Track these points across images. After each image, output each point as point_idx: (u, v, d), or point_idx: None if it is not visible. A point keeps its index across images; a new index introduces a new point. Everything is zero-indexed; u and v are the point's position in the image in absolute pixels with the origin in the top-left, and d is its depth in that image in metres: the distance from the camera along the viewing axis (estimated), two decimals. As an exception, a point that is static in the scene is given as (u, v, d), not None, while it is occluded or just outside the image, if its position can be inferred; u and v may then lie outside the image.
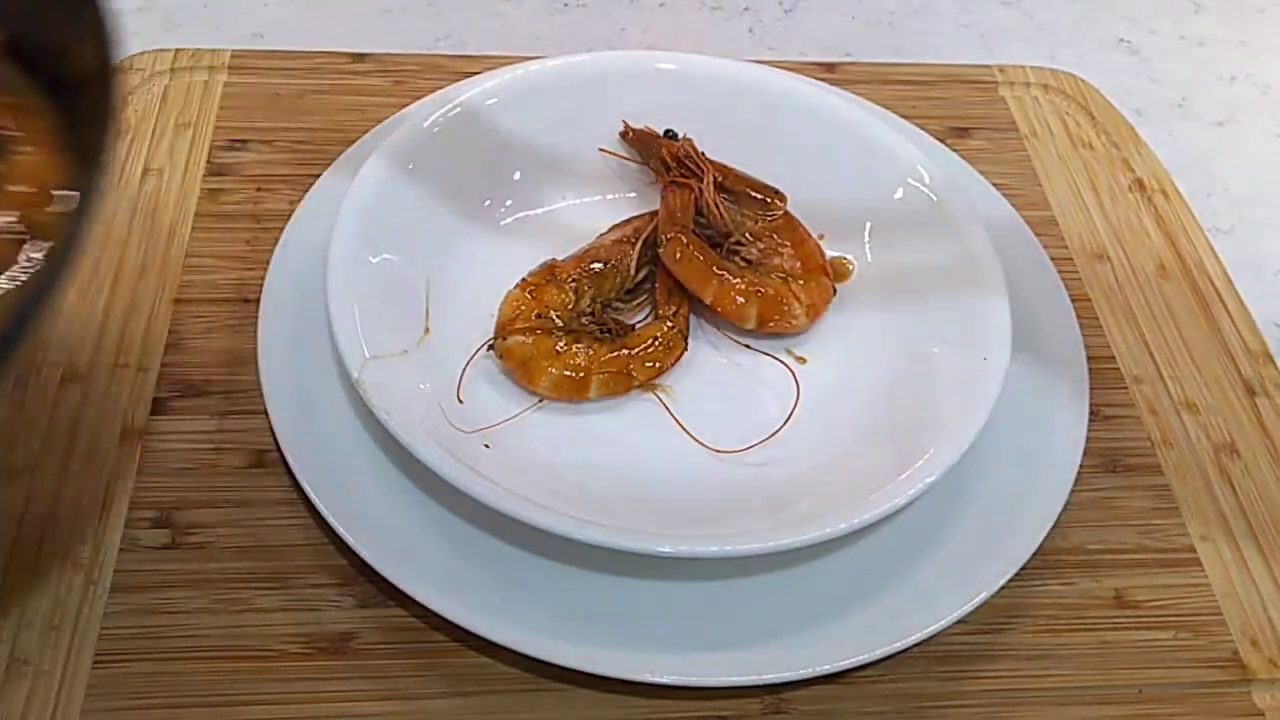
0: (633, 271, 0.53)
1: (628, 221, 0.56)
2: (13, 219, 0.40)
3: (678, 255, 0.53)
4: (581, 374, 0.50)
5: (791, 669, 0.43)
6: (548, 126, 0.57)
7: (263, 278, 0.52)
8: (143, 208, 0.57)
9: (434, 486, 0.46)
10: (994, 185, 0.60)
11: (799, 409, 0.50)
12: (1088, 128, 0.68)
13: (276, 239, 0.54)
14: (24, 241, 0.40)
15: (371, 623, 0.45)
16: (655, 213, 0.55)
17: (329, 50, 0.66)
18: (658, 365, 0.51)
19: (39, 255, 0.40)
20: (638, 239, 0.54)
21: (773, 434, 0.49)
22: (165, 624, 0.44)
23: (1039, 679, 0.45)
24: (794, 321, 0.53)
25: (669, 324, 0.52)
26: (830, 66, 0.69)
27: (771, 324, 0.53)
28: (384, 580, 0.44)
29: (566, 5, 0.75)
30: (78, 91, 0.41)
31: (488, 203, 0.56)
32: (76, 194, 0.41)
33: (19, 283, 0.40)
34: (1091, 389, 0.52)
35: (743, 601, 0.45)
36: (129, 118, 0.61)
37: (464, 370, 0.50)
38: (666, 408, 0.50)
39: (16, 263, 0.40)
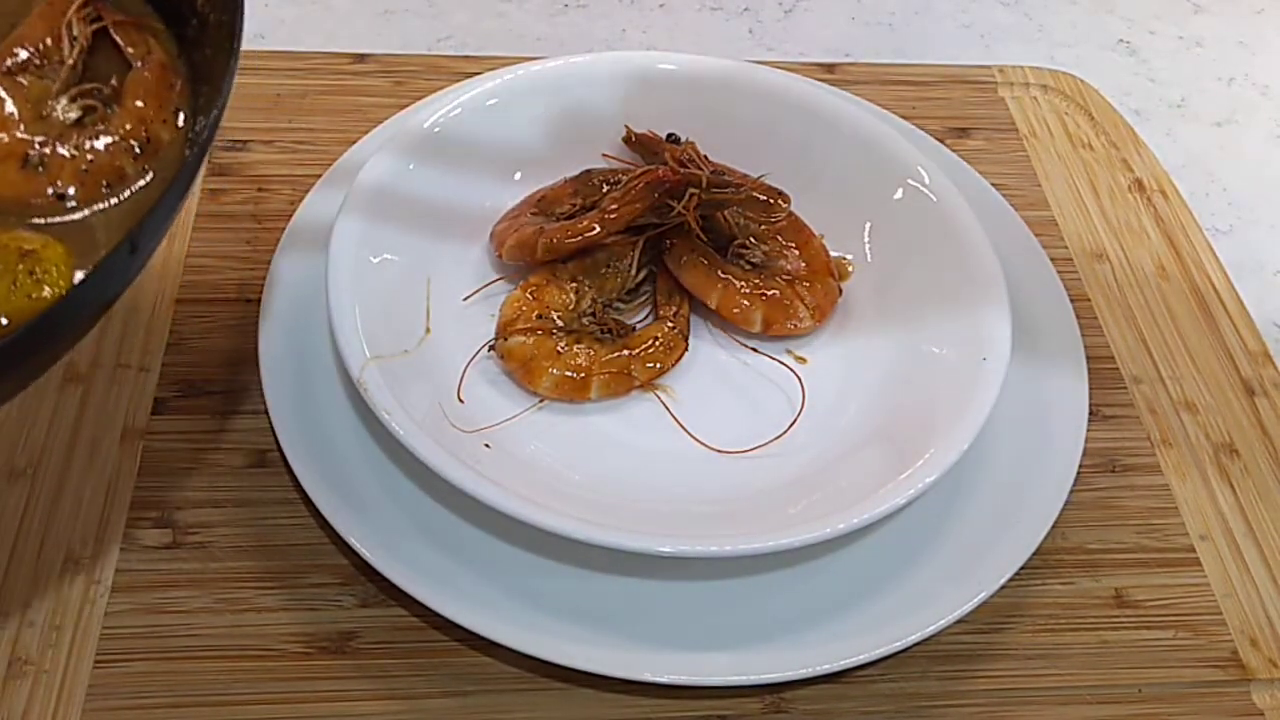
0: (633, 272, 0.53)
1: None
2: (129, 133, 0.42)
3: (682, 260, 0.53)
4: (582, 374, 0.50)
5: (791, 669, 0.43)
6: (548, 127, 0.57)
7: (264, 278, 0.52)
8: (144, 208, 0.57)
9: (434, 486, 0.46)
10: (993, 185, 0.60)
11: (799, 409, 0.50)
12: (1087, 128, 0.68)
13: (277, 239, 0.54)
14: (141, 155, 0.42)
15: (372, 622, 0.45)
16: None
17: (330, 51, 0.67)
18: (658, 365, 0.51)
19: (156, 172, 0.42)
20: (638, 231, 0.53)
21: (778, 436, 0.49)
22: (166, 623, 0.44)
23: (1039, 678, 0.46)
24: (799, 325, 0.53)
25: (669, 324, 0.52)
26: (830, 67, 0.69)
27: (776, 327, 0.53)
28: (384, 580, 0.44)
29: (567, 6, 0.75)
30: (195, 12, 0.42)
31: (488, 203, 0.56)
32: (195, 115, 0.42)
33: (134, 195, 0.41)
34: (1091, 389, 0.52)
35: (743, 601, 0.45)
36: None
37: (465, 370, 0.50)
38: (667, 408, 0.50)
39: (135, 176, 0.42)
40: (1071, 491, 0.49)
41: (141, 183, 0.42)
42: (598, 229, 0.52)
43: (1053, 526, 0.47)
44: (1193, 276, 0.60)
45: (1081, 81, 0.70)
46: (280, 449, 0.47)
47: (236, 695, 0.43)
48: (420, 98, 0.60)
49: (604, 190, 0.54)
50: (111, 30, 0.45)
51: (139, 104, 0.43)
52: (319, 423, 0.48)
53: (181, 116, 0.43)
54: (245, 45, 0.66)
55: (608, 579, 0.45)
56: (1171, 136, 0.71)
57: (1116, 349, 0.57)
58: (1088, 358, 0.53)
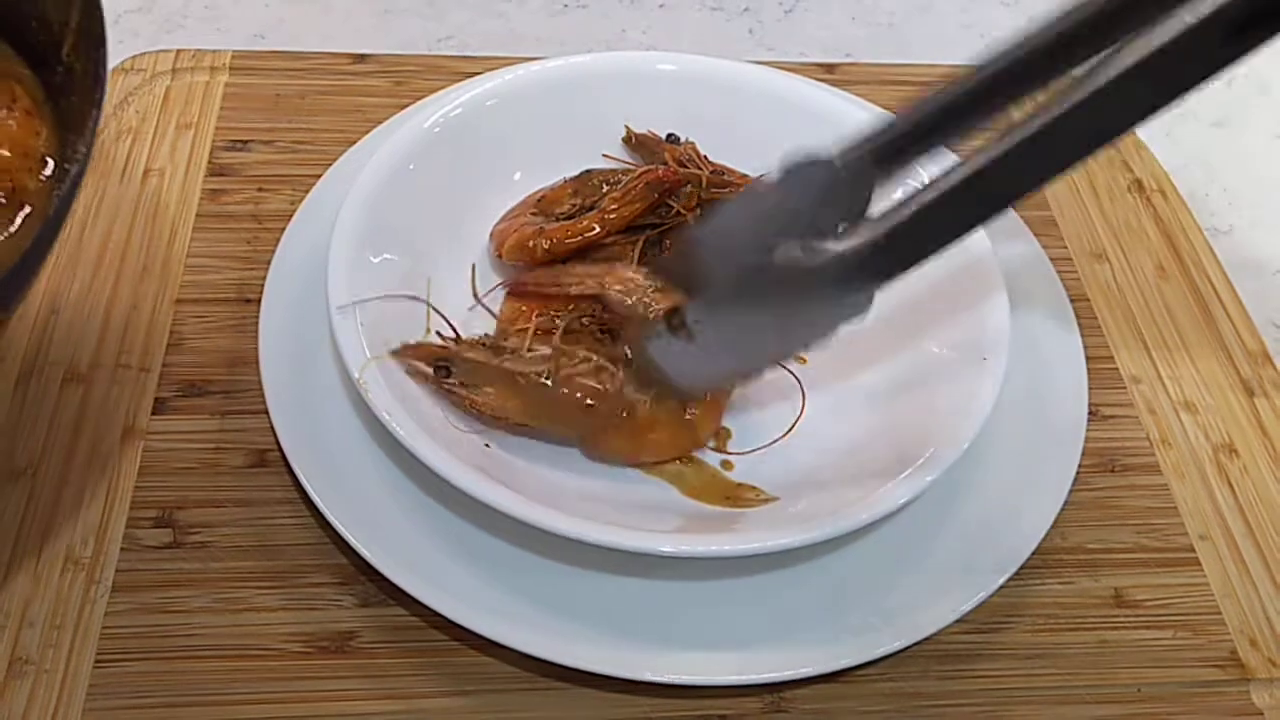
0: (633, 272, 0.53)
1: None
2: None
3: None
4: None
5: (791, 668, 0.43)
6: (548, 127, 0.57)
7: (264, 278, 0.52)
8: (144, 208, 0.57)
9: (434, 486, 0.46)
10: (993, 185, 0.60)
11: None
12: (1087, 128, 0.68)
13: (277, 239, 0.54)
14: (5, 205, 0.41)
15: (372, 622, 0.45)
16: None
17: (330, 51, 0.67)
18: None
19: (20, 221, 0.40)
20: (638, 231, 0.53)
21: (778, 439, 0.49)
22: (166, 623, 0.44)
23: (1038, 678, 0.46)
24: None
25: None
26: (830, 67, 0.69)
27: (775, 326, 0.53)
28: (384, 579, 0.44)
29: (567, 6, 0.75)
30: (60, 60, 0.42)
31: (488, 203, 0.56)
32: (62, 163, 0.41)
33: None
34: (1090, 389, 0.52)
35: (743, 601, 0.45)
36: (130, 119, 0.61)
37: (464, 370, 0.50)
38: (666, 408, 0.50)
39: (0, 226, 0.41)
40: (1071, 491, 0.49)
41: (4, 234, 0.41)
42: (597, 229, 0.52)
43: (1052, 526, 0.47)
44: (1192, 276, 0.60)
45: (1081, 81, 0.70)
46: (280, 449, 0.47)
47: (236, 695, 0.43)
48: (420, 98, 0.60)
49: (604, 190, 0.54)
50: None
51: (3, 153, 0.42)
52: (319, 423, 0.48)
53: (49, 165, 0.42)
54: (246, 45, 0.67)
55: (608, 579, 0.45)
56: (1171, 136, 0.71)
57: (1116, 349, 0.57)
58: (1087, 357, 0.53)
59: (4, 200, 0.41)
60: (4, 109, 0.43)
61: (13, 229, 0.41)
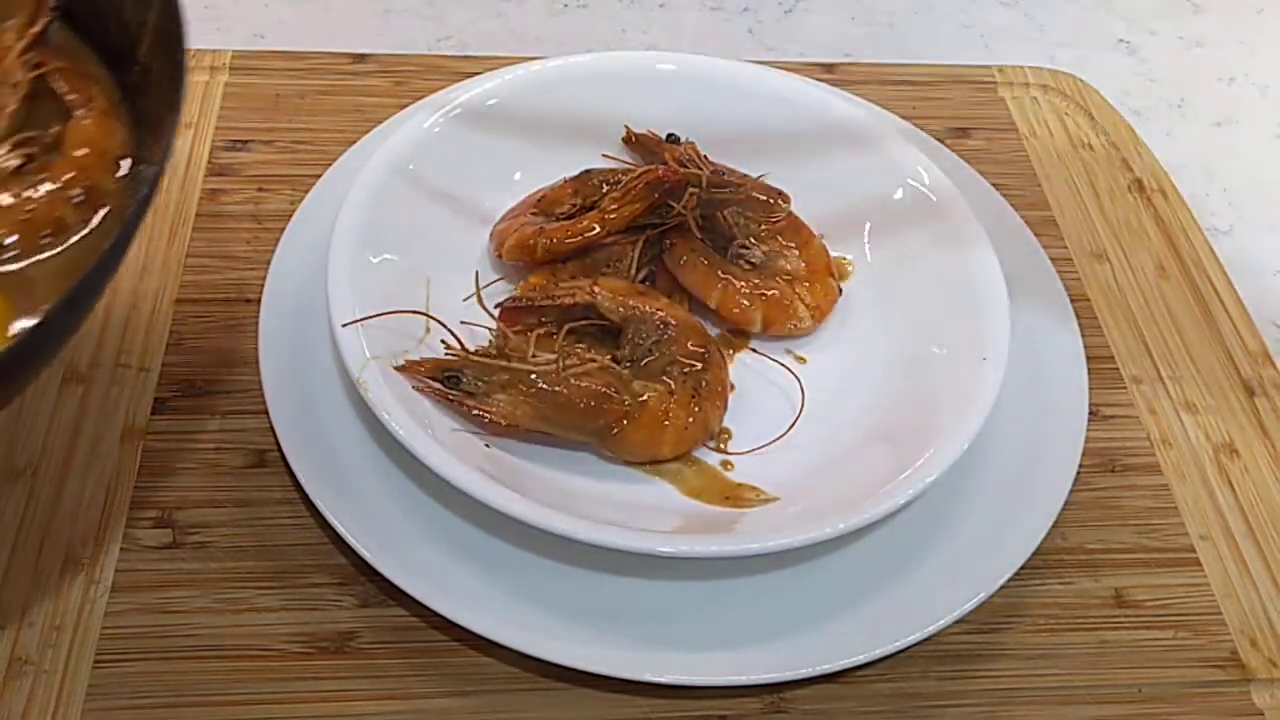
0: (633, 272, 0.53)
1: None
2: (71, 182, 0.41)
3: (682, 260, 0.53)
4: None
5: (791, 669, 0.43)
6: (548, 127, 0.57)
7: (263, 278, 0.52)
8: (144, 208, 0.57)
9: (434, 486, 0.46)
10: (993, 185, 0.60)
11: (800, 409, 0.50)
12: (1087, 128, 0.68)
13: (277, 239, 0.54)
14: (82, 204, 0.41)
15: (372, 622, 0.45)
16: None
17: (330, 51, 0.67)
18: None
19: (98, 220, 0.41)
20: (638, 231, 0.53)
21: (778, 437, 0.49)
22: (166, 623, 0.44)
23: (1038, 678, 0.46)
24: (799, 325, 0.53)
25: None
26: (830, 66, 0.69)
27: (776, 327, 0.53)
28: (384, 579, 0.44)
29: (567, 6, 0.75)
30: (137, 60, 0.42)
31: (488, 203, 0.56)
32: (137, 163, 0.42)
33: (75, 245, 0.41)
34: (1091, 389, 0.52)
35: (743, 601, 0.45)
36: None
37: (464, 370, 0.50)
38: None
39: (76, 226, 0.41)
40: (1071, 491, 0.49)
41: (82, 233, 0.41)
42: (597, 229, 0.52)
43: (1052, 526, 0.47)
44: (1193, 276, 0.60)
45: (1081, 81, 0.70)
46: (280, 449, 0.47)
47: (236, 695, 0.43)
48: (420, 98, 0.60)
49: (604, 190, 0.54)
50: (52, 77, 0.44)
51: (80, 152, 0.42)
52: (319, 423, 0.48)
53: (124, 165, 0.42)
54: (246, 45, 0.67)
55: (608, 579, 0.45)
56: (1171, 136, 0.71)
57: (1116, 349, 0.57)
58: (1087, 358, 0.53)
59: (83, 198, 0.41)
60: (81, 108, 0.43)
61: (90, 228, 0.41)
